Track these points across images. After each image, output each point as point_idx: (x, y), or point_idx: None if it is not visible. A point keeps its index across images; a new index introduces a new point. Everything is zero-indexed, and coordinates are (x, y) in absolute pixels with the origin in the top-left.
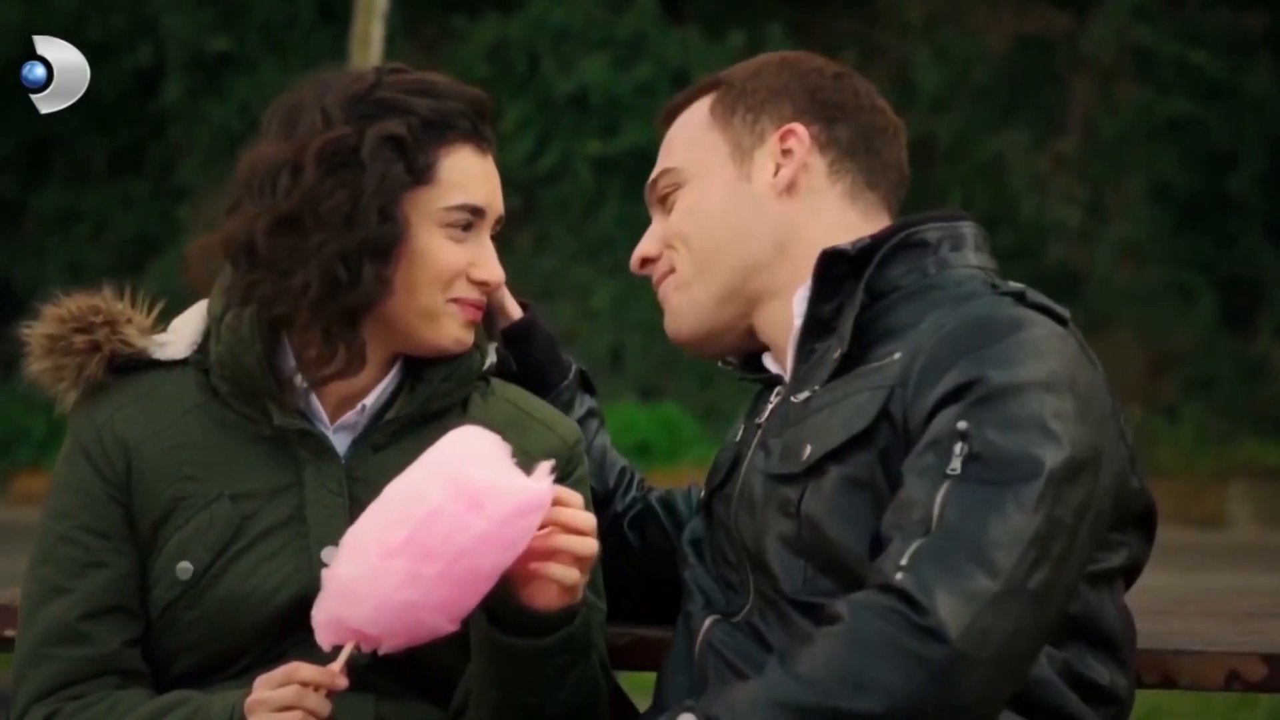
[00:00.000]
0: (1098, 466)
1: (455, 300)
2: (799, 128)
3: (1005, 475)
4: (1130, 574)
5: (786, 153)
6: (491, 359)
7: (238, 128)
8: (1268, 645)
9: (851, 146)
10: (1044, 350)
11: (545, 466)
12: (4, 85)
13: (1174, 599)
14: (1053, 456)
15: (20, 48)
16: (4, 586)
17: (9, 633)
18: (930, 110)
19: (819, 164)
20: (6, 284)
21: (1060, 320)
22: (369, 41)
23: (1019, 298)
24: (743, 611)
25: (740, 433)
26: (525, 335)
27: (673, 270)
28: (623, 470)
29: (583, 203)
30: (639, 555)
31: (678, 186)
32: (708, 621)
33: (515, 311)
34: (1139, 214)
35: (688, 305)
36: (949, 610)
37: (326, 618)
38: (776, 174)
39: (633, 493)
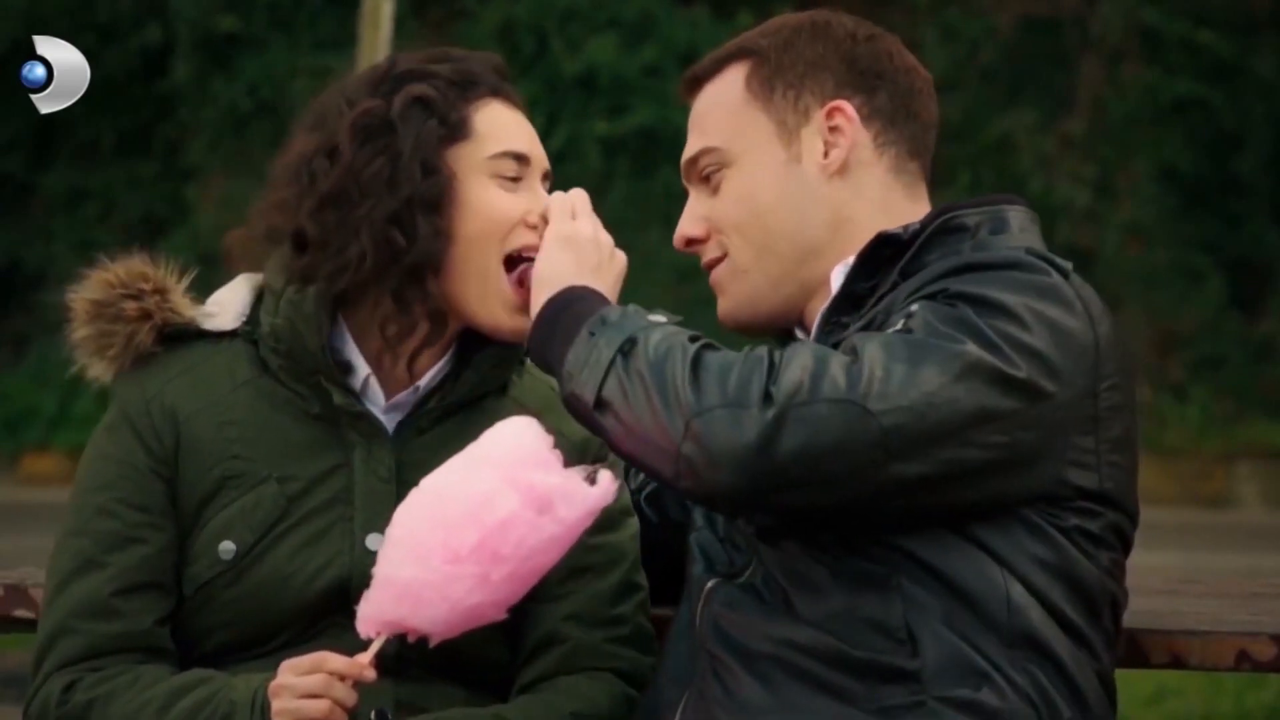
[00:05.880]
0: (1034, 398)
1: (511, 256)
2: (846, 105)
3: (924, 345)
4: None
5: (834, 130)
6: None
7: (246, 108)
8: (1277, 625)
9: (893, 115)
10: (1029, 287)
11: (606, 474)
12: (11, 67)
13: (1181, 579)
14: (985, 364)
15: (28, 30)
16: (13, 566)
17: (19, 613)
18: (938, 90)
19: (865, 139)
20: (14, 265)
21: (1064, 274)
22: (378, 21)
23: (1049, 262)
24: (745, 573)
25: None
26: None
27: (724, 256)
28: None
29: (591, 183)
30: (657, 531)
31: (722, 166)
32: (709, 584)
33: None
34: (1146, 195)
35: (747, 292)
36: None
37: (383, 618)
38: (827, 155)
39: None
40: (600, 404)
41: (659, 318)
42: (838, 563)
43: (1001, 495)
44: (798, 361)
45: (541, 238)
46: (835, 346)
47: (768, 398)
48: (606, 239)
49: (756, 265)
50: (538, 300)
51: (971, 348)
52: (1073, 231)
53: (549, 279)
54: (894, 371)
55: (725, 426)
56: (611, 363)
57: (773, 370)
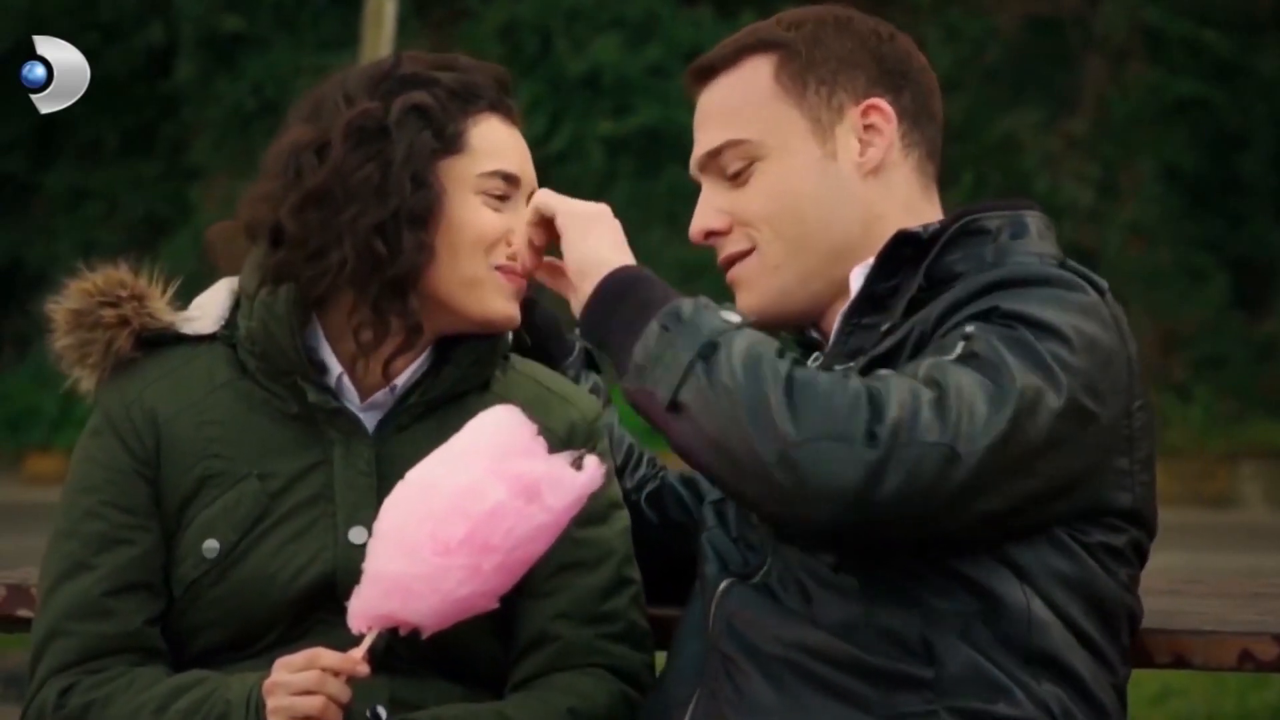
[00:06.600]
0: (1084, 422)
1: (498, 268)
2: (883, 104)
3: (997, 378)
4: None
5: (869, 128)
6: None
7: (249, 108)
8: None
9: (916, 116)
10: (1074, 306)
11: (593, 460)
12: (11, 67)
13: (1185, 579)
14: (1048, 393)
15: (28, 30)
16: (16, 566)
17: (21, 613)
18: (941, 90)
19: (895, 138)
20: (17, 264)
21: (1101, 292)
22: (381, 21)
23: (1086, 279)
24: (759, 573)
25: None
26: (527, 312)
27: (750, 250)
28: (630, 447)
29: (594, 183)
30: (658, 532)
31: (753, 160)
32: (723, 584)
33: None
34: (1149, 195)
35: (777, 288)
36: (893, 424)
37: (373, 612)
38: (863, 153)
39: (643, 470)
40: (676, 406)
41: (733, 316)
42: (864, 572)
43: (1050, 518)
44: (894, 398)
45: (527, 239)
46: (855, 351)
47: (872, 437)
48: (605, 208)
49: (788, 261)
50: (588, 282)
51: (1035, 379)
52: (1076, 231)
53: (590, 261)
54: (978, 412)
55: (828, 463)
56: (690, 366)
57: (874, 405)
